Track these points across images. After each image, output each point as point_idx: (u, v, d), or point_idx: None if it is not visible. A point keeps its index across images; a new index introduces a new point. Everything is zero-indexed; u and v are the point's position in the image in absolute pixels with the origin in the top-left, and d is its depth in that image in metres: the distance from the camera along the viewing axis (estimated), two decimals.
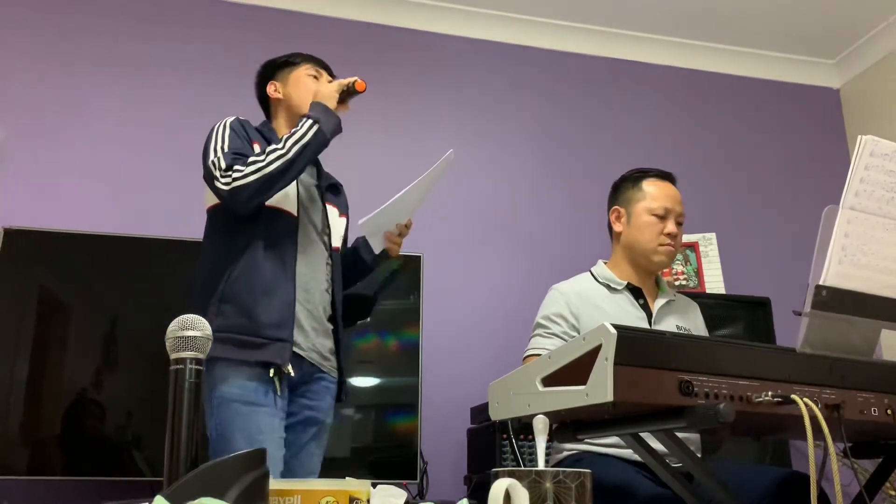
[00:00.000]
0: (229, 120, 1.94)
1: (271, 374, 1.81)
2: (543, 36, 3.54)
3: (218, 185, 1.80)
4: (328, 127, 1.89)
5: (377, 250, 2.13)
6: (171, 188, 2.91)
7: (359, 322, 2.54)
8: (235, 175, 1.79)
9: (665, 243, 2.05)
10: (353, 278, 2.17)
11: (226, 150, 1.84)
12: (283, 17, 3.28)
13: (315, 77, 2.07)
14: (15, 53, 2.95)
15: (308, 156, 1.86)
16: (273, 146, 1.84)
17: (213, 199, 1.92)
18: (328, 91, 1.95)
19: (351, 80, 2.00)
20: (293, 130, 1.87)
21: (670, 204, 2.08)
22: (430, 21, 3.42)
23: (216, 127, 1.92)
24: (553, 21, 3.52)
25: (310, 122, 1.87)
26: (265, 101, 2.13)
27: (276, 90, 2.09)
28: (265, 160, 1.80)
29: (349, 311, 2.13)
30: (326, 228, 2.04)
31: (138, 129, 2.99)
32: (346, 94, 2.00)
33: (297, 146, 1.83)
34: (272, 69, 2.12)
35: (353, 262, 2.14)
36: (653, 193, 2.09)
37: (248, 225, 1.88)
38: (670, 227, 2.05)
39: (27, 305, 2.37)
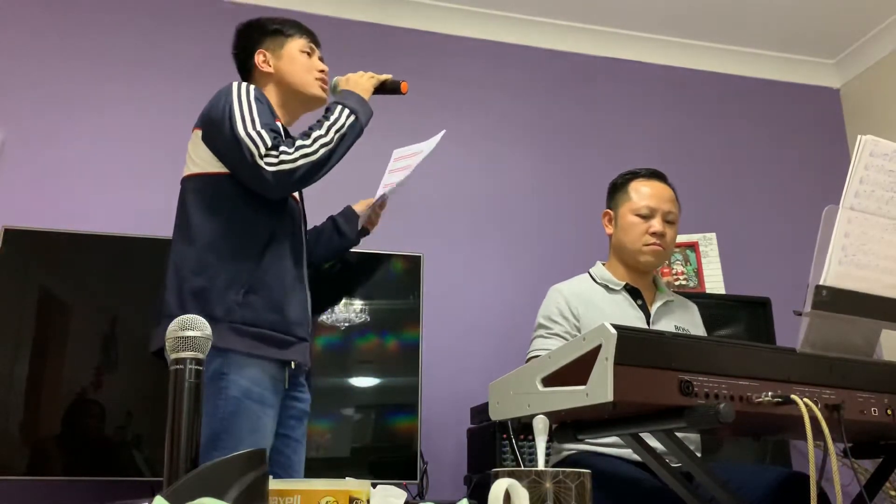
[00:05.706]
0: (251, 88, 1.76)
1: (287, 371, 1.74)
2: (543, 36, 3.53)
3: (260, 163, 1.63)
4: (364, 119, 1.81)
5: (359, 226, 2.14)
6: (171, 188, 2.89)
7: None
8: (284, 157, 1.64)
9: (650, 243, 2.05)
10: (328, 253, 2.16)
11: (261, 124, 1.67)
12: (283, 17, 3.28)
13: (308, 54, 1.95)
14: (15, 53, 2.95)
15: (346, 146, 1.75)
16: (316, 132, 1.71)
17: (210, 166, 1.75)
18: (366, 84, 1.88)
19: (390, 77, 1.94)
20: (330, 117, 1.75)
21: (655, 203, 2.07)
22: (430, 21, 3.42)
23: (237, 91, 1.73)
24: (553, 21, 3.51)
25: (347, 111, 1.77)
26: (245, 65, 1.96)
27: (265, 61, 1.92)
28: (312, 147, 1.68)
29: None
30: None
31: (139, 128, 2.98)
32: (382, 91, 1.94)
33: (337, 135, 1.72)
34: (260, 34, 1.95)
35: (328, 238, 2.13)
36: (638, 193, 2.10)
37: (272, 211, 1.75)
38: (656, 226, 2.05)
39: (27, 305, 2.37)
